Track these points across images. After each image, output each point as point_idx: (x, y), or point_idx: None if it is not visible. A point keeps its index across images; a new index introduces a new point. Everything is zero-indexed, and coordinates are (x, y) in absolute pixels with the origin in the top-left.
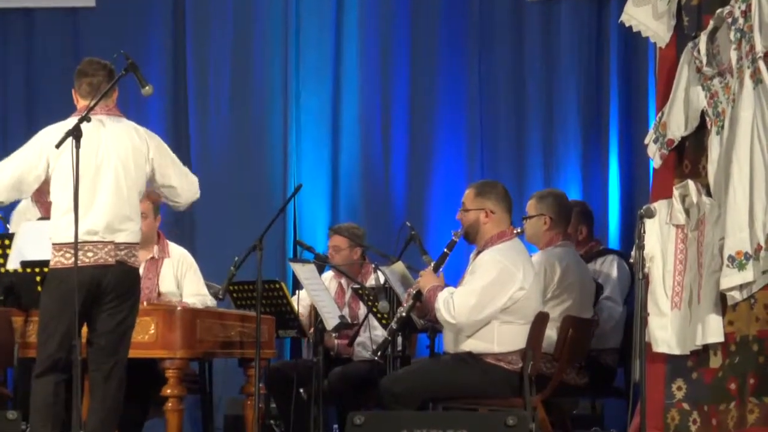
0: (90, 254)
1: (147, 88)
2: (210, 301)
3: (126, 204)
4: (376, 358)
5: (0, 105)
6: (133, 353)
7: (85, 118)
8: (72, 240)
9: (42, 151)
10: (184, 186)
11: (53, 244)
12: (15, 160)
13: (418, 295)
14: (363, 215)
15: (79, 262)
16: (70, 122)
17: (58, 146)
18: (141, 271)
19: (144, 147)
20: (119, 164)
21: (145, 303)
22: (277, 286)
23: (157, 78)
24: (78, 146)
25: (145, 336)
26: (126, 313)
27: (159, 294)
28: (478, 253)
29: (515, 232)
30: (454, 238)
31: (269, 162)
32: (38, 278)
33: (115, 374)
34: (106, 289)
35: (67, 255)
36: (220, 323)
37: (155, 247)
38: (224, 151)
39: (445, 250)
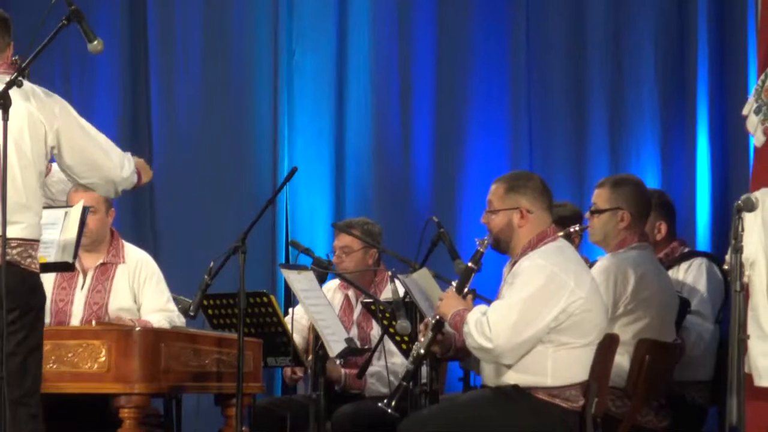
0: None
1: (95, 42)
2: (179, 320)
3: (21, 188)
4: (389, 411)
5: None
6: (78, 387)
7: (15, 82)
8: None
9: None
10: (107, 165)
11: None
12: None
13: (439, 324)
14: (375, 209)
15: None
16: None
17: None
18: (88, 280)
19: (44, 113)
20: (9, 137)
21: (93, 322)
22: (265, 300)
23: (108, 31)
24: (6, 118)
25: (94, 365)
26: (27, 331)
27: (107, 311)
28: (514, 263)
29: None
30: (479, 248)
31: (254, 140)
32: None
33: (23, 412)
34: None
35: None
36: (191, 348)
37: (107, 250)
38: (195, 125)
39: (469, 263)
